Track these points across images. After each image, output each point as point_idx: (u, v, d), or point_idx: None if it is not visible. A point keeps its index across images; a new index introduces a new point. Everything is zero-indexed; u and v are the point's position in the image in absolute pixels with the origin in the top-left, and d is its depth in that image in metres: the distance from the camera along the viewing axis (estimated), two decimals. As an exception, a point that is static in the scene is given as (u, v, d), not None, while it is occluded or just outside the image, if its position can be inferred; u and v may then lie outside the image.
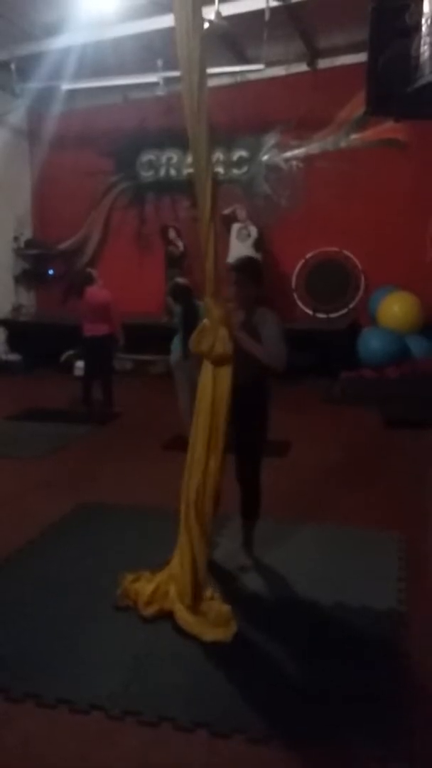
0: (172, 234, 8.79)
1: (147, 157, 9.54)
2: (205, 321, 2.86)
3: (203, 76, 2.78)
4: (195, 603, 2.78)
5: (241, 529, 3.32)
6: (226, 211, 8.51)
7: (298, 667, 2.57)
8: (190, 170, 9.41)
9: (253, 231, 8.28)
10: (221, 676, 2.52)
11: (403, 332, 7.60)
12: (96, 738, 2.21)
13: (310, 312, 8.84)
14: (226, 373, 2.82)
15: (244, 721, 2.26)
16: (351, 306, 8.67)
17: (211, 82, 9.74)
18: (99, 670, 2.54)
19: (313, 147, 8.74)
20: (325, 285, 8.72)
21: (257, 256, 8.25)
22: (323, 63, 8.55)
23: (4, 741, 2.20)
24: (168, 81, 8.32)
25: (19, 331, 9.49)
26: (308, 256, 8.83)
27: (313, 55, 8.47)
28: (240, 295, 3.05)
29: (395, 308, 7.81)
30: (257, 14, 6.68)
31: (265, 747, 2.15)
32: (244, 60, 8.38)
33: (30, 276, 10.14)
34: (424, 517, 3.95)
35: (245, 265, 3.23)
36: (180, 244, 8.70)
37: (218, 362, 2.81)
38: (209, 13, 6.60)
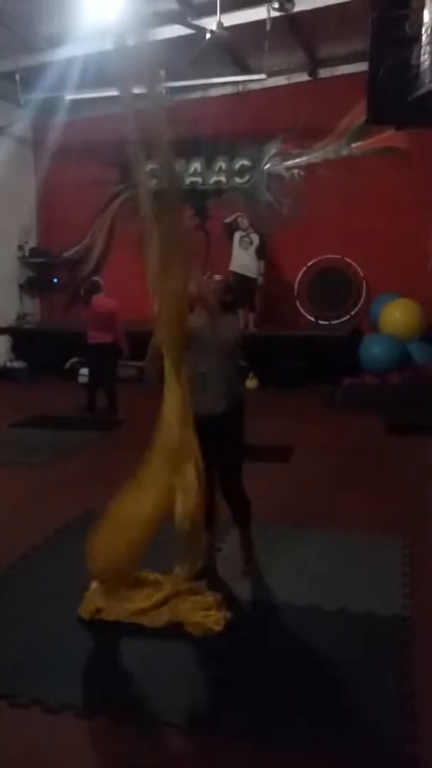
0: None
1: (150, 166, 9.60)
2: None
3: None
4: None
5: (240, 540, 3.32)
6: (228, 220, 8.55)
7: (300, 672, 2.58)
8: (193, 179, 9.49)
9: (256, 239, 8.33)
10: (225, 682, 2.53)
11: (405, 339, 7.63)
12: (101, 743, 2.22)
13: (312, 319, 8.87)
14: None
15: (248, 727, 2.27)
16: (353, 313, 8.70)
17: (214, 92, 9.87)
18: (104, 675, 2.56)
19: (314, 156, 8.79)
20: (327, 292, 8.75)
21: (260, 263, 8.29)
22: (324, 72, 8.62)
23: (9, 747, 2.21)
24: (170, 91, 8.39)
25: (24, 339, 9.54)
26: (310, 263, 8.86)
27: (314, 64, 8.55)
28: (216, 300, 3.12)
29: (397, 315, 7.84)
30: (258, 25, 6.75)
31: (269, 751, 2.16)
32: (245, 70, 8.46)
33: (34, 284, 10.20)
34: (428, 521, 3.96)
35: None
36: None
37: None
38: (211, 23, 6.68)
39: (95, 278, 7.43)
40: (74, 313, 9.56)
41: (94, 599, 2.91)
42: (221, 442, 3.07)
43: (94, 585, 2.98)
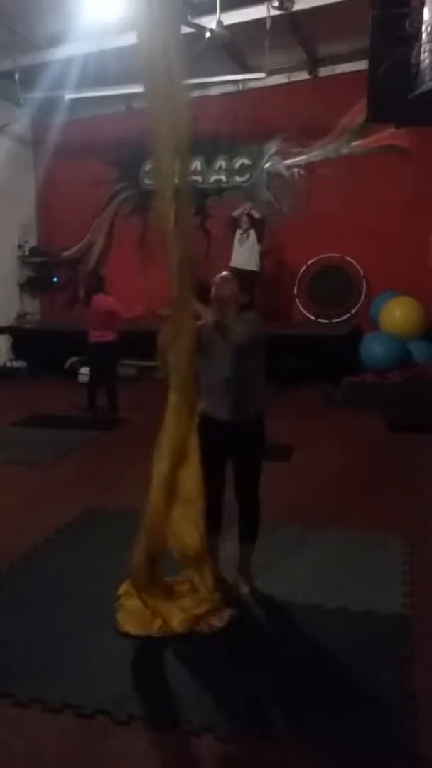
0: None
1: (150, 165, 9.61)
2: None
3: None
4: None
5: (240, 554, 3.16)
6: (235, 213, 8.55)
7: (301, 671, 2.58)
8: (193, 178, 9.47)
9: (252, 233, 8.28)
10: (226, 680, 2.53)
11: (405, 337, 7.62)
12: (102, 742, 2.22)
13: (312, 317, 8.86)
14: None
15: (249, 725, 2.27)
16: (353, 311, 8.69)
17: (214, 91, 9.88)
18: (104, 674, 2.55)
19: (314, 154, 8.79)
20: (327, 290, 8.75)
21: (258, 247, 8.21)
22: (324, 71, 8.61)
23: (10, 746, 2.21)
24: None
25: (24, 338, 9.54)
26: (310, 261, 8.86)
27: (314, 63, 8.54)
28: (227, 304, 2.95)
29: (397, 313, 7.84)
30: (258, 23, 6.74)
31: (271, 750, 2.16)
32: (245, 68, 8.45)
33: (34, 283, 10.21)
34: (428, 521, 3.96)
35: (240, 275, 3.13)
36: None
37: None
38: (211, 22, 6.67)
39: (100, 275, 7.35)
40: (75, 312, 9.59)
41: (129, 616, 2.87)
42: (242, 449, 2.98)
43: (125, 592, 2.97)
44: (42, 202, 10.24)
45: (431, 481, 4.68)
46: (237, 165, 9.28)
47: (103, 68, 7.73)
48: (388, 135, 8.17)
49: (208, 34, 6.72)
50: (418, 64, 4.46)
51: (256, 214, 8.32)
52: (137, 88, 8.42)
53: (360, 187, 8.42)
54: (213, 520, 3.15)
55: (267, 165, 9.07)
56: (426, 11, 4.37)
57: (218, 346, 2.92)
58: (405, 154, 8.26)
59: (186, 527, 2.83)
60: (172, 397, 2.82)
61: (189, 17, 6.70)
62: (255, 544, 3.12)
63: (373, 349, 7.59)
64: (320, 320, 8.81)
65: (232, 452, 3.01)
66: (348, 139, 8.62)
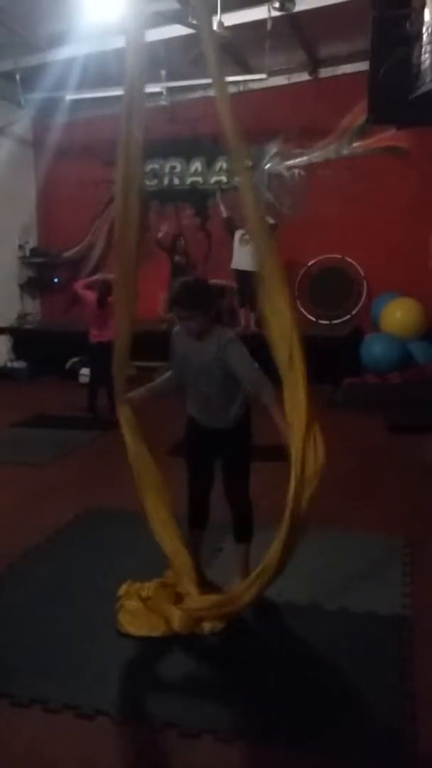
0: (181, 243, 8.84)
1: (150, 166, 9.61)
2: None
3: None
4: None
5: (236, 555, 3.14)
6: (226, 214, 8.55)
7: (301, 672, 2.57)
8: (194, 179, 9.50)
9: None
10: (226, 680, 2.53)
11: (406, 338, 7.62)
12: (102, 743, 2.22)
13: (312, 319, 8.86)
14: None
15: (249, 725, 2.27)
16: (353, 312, 8.69)
17: (215, 92, 9.67)
18: (105, 675, 2.55)
19: (315, 155, 8.79)
20: (327, 292, 8.74)
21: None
22: (325, 72, 8.61)
23: (10, 746, 2.21)
24: (171, 91, 8.39)
25: (24, 339, 9.53)
26: (311, 263, 8.86)
27: (315, 64, 8.54)
28: (190, 330, 2.88)
29: (398, 314, 7.84)
30: (259, 24, 6.74)
31: (271, 750, 2.16)
32: (246, 69, 8.45)
33: (35, 284, 10.20)
34: (429, 521, 3.95)
35: (181, 294, 2.92)
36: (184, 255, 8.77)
37: None
38: (212, 23, 6.67)
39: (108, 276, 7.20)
40: (75, 312, 9.58)
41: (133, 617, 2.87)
42: (226, 451, 3.01)
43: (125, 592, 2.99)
44: (43, 202, 10.24)
45: (431, 481, 4.67)
46: (238, 166, 9.29)
47: (103, 69, 7.72)
48: (388, 136, 8.17)
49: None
50: (419, 64, 4.48)
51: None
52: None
53: (361, 188, 8.41)
54: (196, 519, 3.13)
55: (268, 166, 9.07)
56: (427, 12, 4.38)
57: (195, 360, 2.93)
58: (406, 155, 8.26)
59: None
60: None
61: (190, 18, 6.71)
62: (250, 544, 3.11)
63: (374, 350, 7.59)
64: (321, 321, 8.80)
65: (217, 454, 3.03)
66: (349, 140, 8.62)
